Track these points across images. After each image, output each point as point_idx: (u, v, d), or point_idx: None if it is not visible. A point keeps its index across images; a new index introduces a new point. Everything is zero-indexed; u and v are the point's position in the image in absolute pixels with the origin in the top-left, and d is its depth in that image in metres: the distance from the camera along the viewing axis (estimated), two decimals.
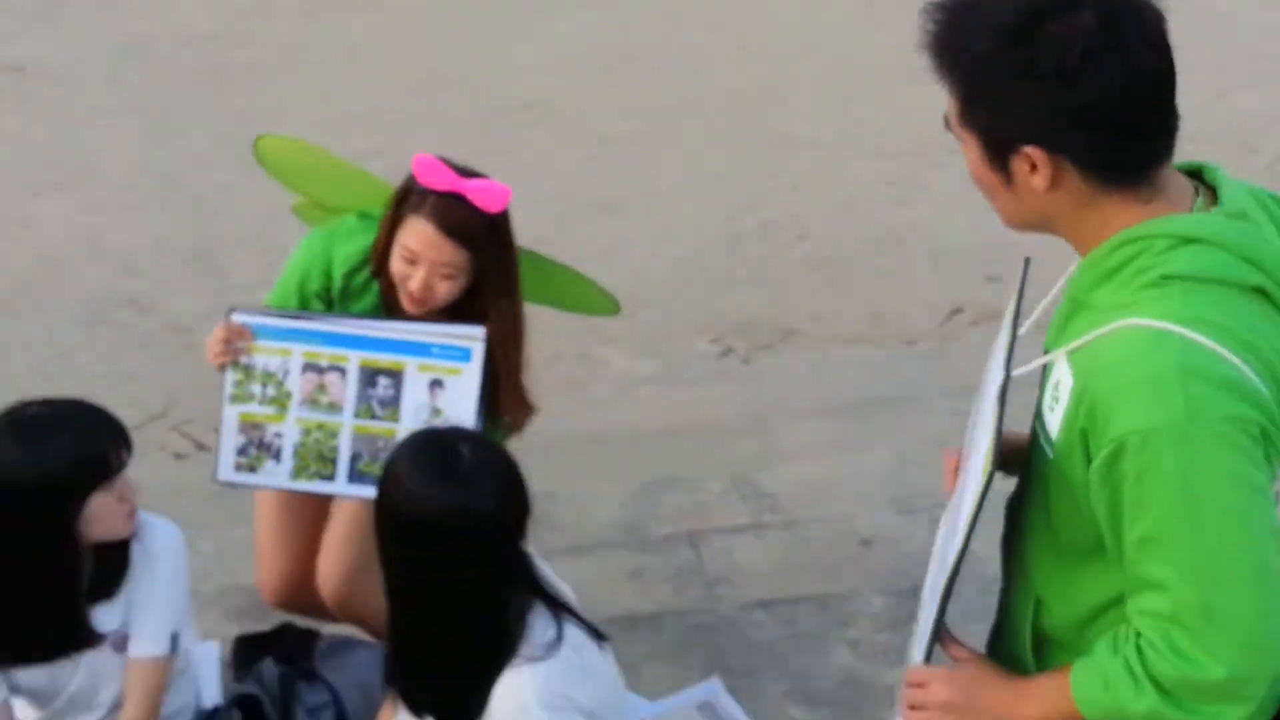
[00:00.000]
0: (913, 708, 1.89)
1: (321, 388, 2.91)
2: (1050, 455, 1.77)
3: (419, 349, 2.85)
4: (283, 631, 3.32)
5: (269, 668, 3.12)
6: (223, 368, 2.95)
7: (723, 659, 3.39)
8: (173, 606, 2.85)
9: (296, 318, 2.92)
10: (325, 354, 2.89)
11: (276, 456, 2.96)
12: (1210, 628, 1.64)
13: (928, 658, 1.88)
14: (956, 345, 5.12)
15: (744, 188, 6.57)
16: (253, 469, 2.99)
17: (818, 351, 5.35)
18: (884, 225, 5.78)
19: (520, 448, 4.58)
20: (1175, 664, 1.67)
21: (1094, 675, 1.74)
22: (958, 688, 1.85)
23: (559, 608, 2.48)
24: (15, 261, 6.09)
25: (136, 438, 4.87)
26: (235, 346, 2.92)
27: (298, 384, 2.91)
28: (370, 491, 2.64)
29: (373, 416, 2.89)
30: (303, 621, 3.35)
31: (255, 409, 2.94)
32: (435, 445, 2.42)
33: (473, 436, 2.53)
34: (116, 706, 2.84)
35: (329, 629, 3.33)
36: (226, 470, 3.01)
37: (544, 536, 3.98)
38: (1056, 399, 1.75)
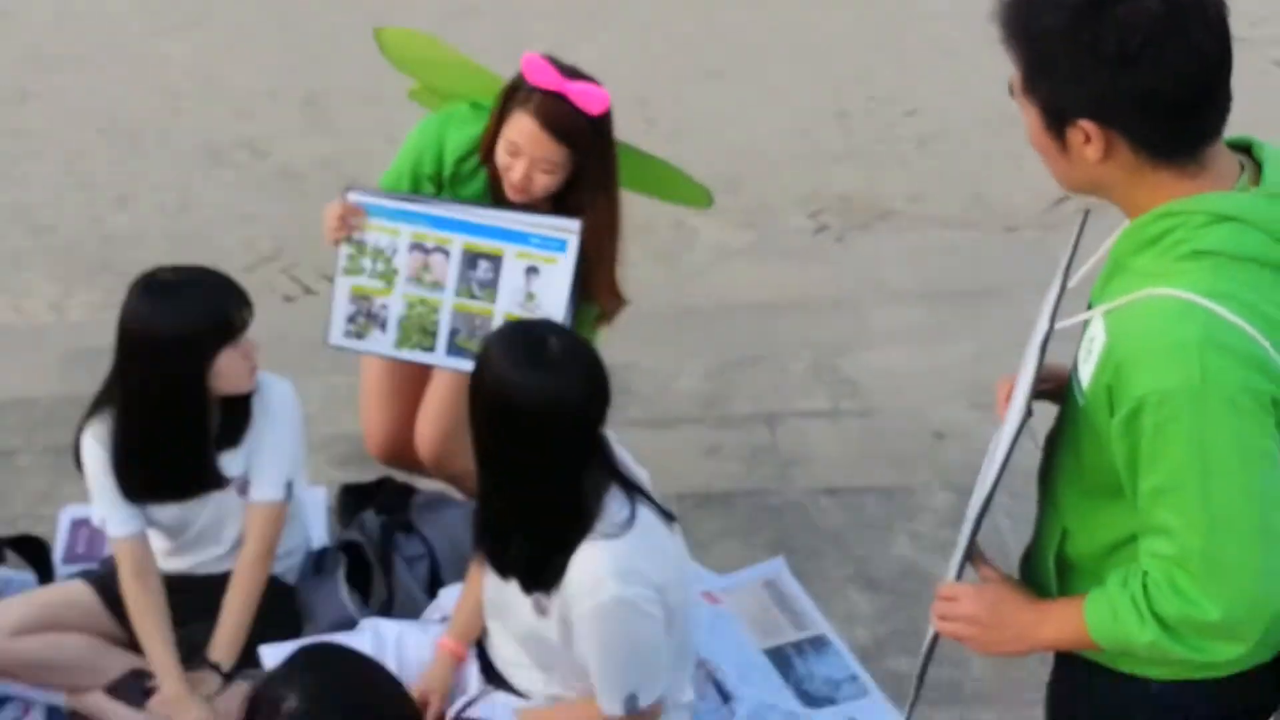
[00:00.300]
0: (942, 618, 2.07)
1: (426, 266, 3.11)
2: (1081, 403, 1.91)
3: (518, 237, 3.03)
4: (383, 484, 3.60)
5: (370, 518, 3.41)
6: (337, 243, 3.17)
7: (789, 540, 3.58)
8: (289, 457, 3.14)
9: (407, 200, 3.11)
10: (431, 236, 3.09)
11: (382, 326, 3.19)
12: (1210, 574, 1.78)
13: (959, 574, 2.08)
14: (1056, 236, 5.14)
15: (855, 59, 6.59)
16: (360, 336, 3.22)
17: (914, 233, 5.39)
18: (996, 105, 5.80)
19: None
20: (1176, 603, 1.81)
21: (1105, 606, 1.89)
22: (984, 604, 2.01)
23: (633, 490, 2.68)
24: (141, 100, 6.35)
25: (248, 279, 5.15)
26: (349, 224, 3.13)
27: (405, 261, 3.12)
28: (466, 365, 2.87)
29: (471, 296, 3.09)
30: (401, 476, 3.64)
31: (365, 282, 3.16)
32: (526, 334, 2.60)
33: (561, 329, 2.71)
34: (238, 543, 3.15)
35: (424, 485, 3.60)
36: (337, 335, 3.24)
37: (624, 406, 4.18)
38: (1090, 353, 1.88)
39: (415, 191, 3.16)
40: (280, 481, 3.12)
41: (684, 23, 6.80)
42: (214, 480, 3.05)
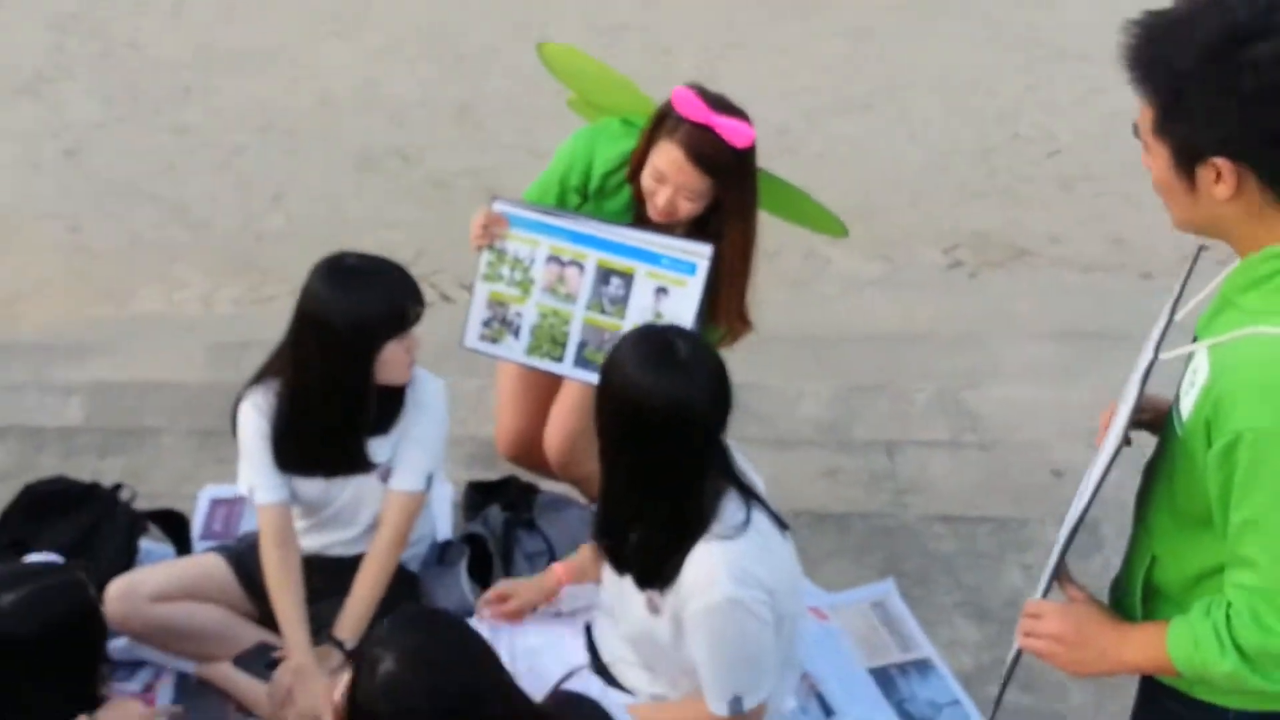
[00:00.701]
0: (1027, 635, 2.16)
1: (561, 279, 3.26)
2: (1179, 434, 1.99)
3: (651, 257, 3.15)
4: (508, 483, 3.77)
5: (495, 513, 3.57)
6: (479, 249, 3.34)
7: (900, 564, 3.65)
8: (432, 451, 3.30)
9: (548, 213, 3.26)
10: (568, 250, 3.23)
11: (516, 333, 3.34)
12: None
13: (1045, 592, 2.17)
14: (1195, 283, 5.15)
15: (1001, 98, 6.64)
16: (494, 340, 3.38)
17: (1049, 274, 5.43)
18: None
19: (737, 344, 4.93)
20: (1257, 634, 1.89)
21: (1187, 633, 1.96)
22: (1069, 623, 2.09)
23: (750, 495, 2.79)
24: (299, 102, 6.64)
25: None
26: (492, 232, 3.30)
27: (541, 272, 3.26)
28: (592, 377, 3.00)
29: (602, 311, 3.23)
30: (526, 476, 3.80)
31: (502, 289, 3.33)
32: (656, 339, 2.73)
33: (690, 335, 2.82)
34: (370, 528, 3.31)
35: (548, 486, 3.76)
36: (472, 338, 3.41)
37: (746, 426, 4.28)
38: (1192, 384, 1.96)
39: (561, 202, 3.31)
40: (422, 473, 3.28)
41: (829, 53, 6.91)
42: (363, 464, 3.22)
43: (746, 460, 2.93)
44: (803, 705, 3.28)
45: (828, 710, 3.28)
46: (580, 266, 3.21)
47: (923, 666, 3.39)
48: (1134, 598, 2.15)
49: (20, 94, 6.75)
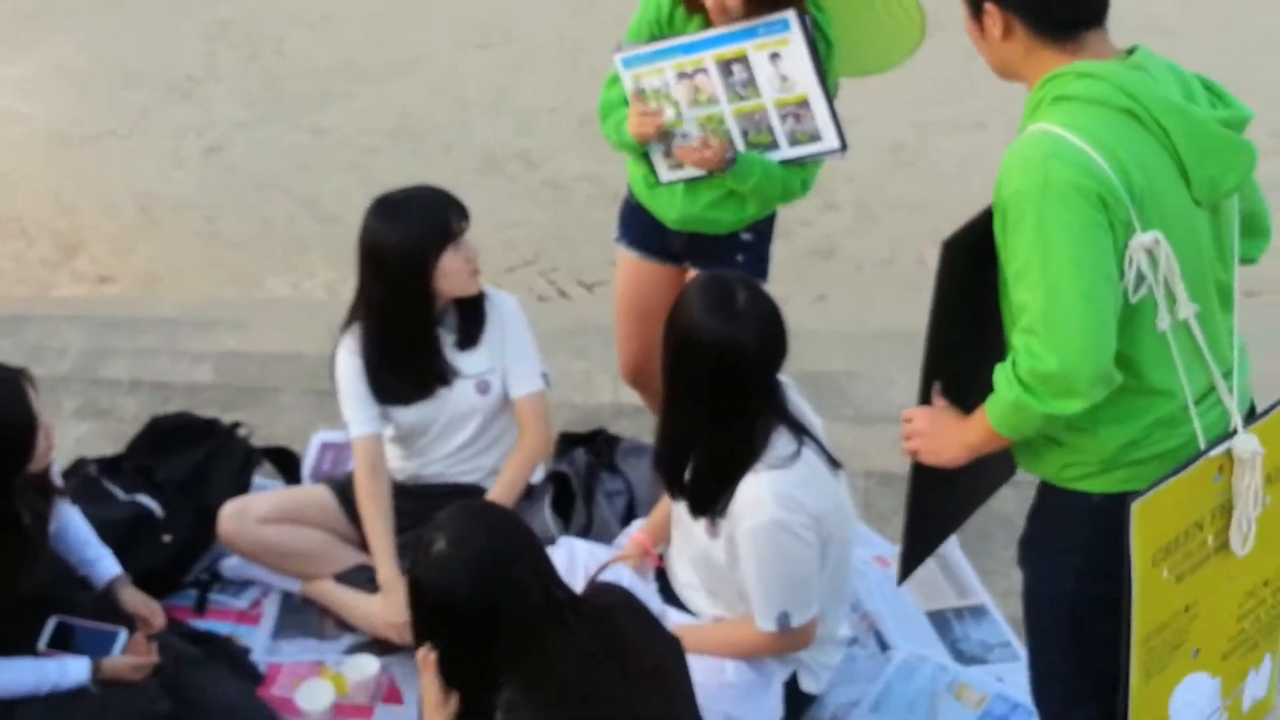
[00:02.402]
0: (903, 438, 2.68)
1: (697, 89, 3.62)
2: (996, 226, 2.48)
3: (748, 33, 3.48)
4: (595, 434, 4.19)
5: (580, 455, 3.99)
6: (645, 139, 3.66)
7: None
8: (533, 352, 3.77)
9: (656, 43, 3.62)
10: (687, 61, 3.58)
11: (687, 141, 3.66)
12: (1048, 330, 2.34)
13: (919, 402, 2.67)
14: None
15: None
16: (680, 166, 3.71)
17: None
18: None
19: (845, 335, 5.28)
20: (1028, 361, 2.37)
21: (994, 392, 2.46)
22: (927, 419, 2.63)
23: (802, 432, 3.15)
24: (432, 109, 7.20)
25: (508, 279, 5.83)
26: (651, 121, 3.62)
27: (680, 92, 3.63)
28: (773, 155, 3.57)
29: (741, 99, 3.58)
30: (613, 430, 4.21)
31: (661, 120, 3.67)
32: (720, 287, 3.07)
33: (751, 285, 3.15)
34: (467, 445, 3.74)
35: (631, 435, 4.16)
36: (665, 175, 3.76)
37: (835, 405, 4.68)
38: None
39: (654, 35, 3.68)
40: (535, 373, 3.76)
41: (943, 72, 7.24)
42: (447, 375, 3.66)
43: (806, 404, 3.27)
44: (861, 639, 3.63)
45: (884, 645, 3.62)
46: (704, 71, 3.57)
47: (978, 612, 3.71)
48: None
49: (170, 94, 7.43)
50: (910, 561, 2.87)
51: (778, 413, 3.10)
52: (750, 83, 3.53)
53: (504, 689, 2.56)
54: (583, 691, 2.54)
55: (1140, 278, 2.39)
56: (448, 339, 3.68)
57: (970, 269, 2.54)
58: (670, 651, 2.75)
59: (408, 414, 3.71)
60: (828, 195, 6.33)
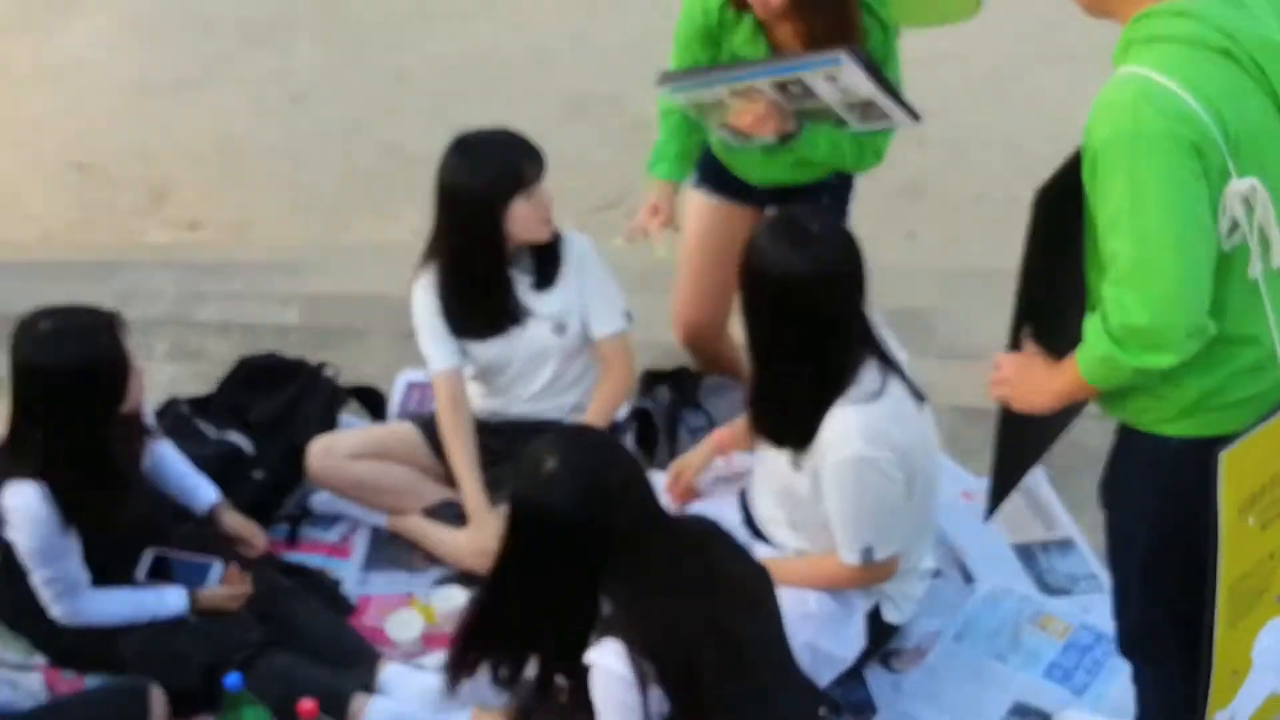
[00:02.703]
0: (991, 383, 2.71)
1: (754, 99, 3.51)
2: (1086, 174, 2.45)
3: (804, 65, 3.41)
4: (679, 372, 4.25)
5: (663, 392, 4.07)
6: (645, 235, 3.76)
7: (1050, 456, 3.80)
8: (614, 291, 3.85)
9: (706, 71, 3.59)
10: (740, 87, 3.52)
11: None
12: (1140, 280, 2.32)
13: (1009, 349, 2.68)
14: None
15: None
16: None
17: None
18: None
19: (933, 272, 5.29)
20: (1118, 315, 2.35)
21: (1083, 345, 2.46)
22: (1016, 367, 2.64)
23: (888, 364, 3.19)
24: (510, 51, 7.24)
25: (591, 220, 5.88)
26: (658, 221, 3.73)
27: (739, 104, 3.53)
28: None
29: (802, 104, 3.48)
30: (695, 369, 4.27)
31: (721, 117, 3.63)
32: (790, 218, 3.13)
33: (823, 216, 3.21)
34: (549, 385, 3.83)
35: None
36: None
37: (922, 341, 4.69)
38: None
39: (702, 51, 3.62)
40: (617, 311, 3.84)
41: (1038, 4, 7.18)
42: (518, 313, 3.74)
43: (892, 340, 3.30)
44: (945, 571, 3.67)
45: (968, 577, 3.66)
46: (759, 91, 3.51)
47: (1064, 545, 3.75)
48: None
49: (252, 43, 7.52)
50: (998, 496, 2.92)
51: (863, 344, 3.14)
52: (808, 96, 3.49)
53: (601, 609, 2.65)
54: (681, 611, 2.64)
55: (1234, 225, 2.36)
56: (524, 280, 3.75)
57: (1062, 215, 2.53)
58: (759, 579, 2.83)
59: (485, 350, 3.79)
60: (917, 132, 6.30)
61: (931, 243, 5.74)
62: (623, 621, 2.64)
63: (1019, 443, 2.90)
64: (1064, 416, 2.96)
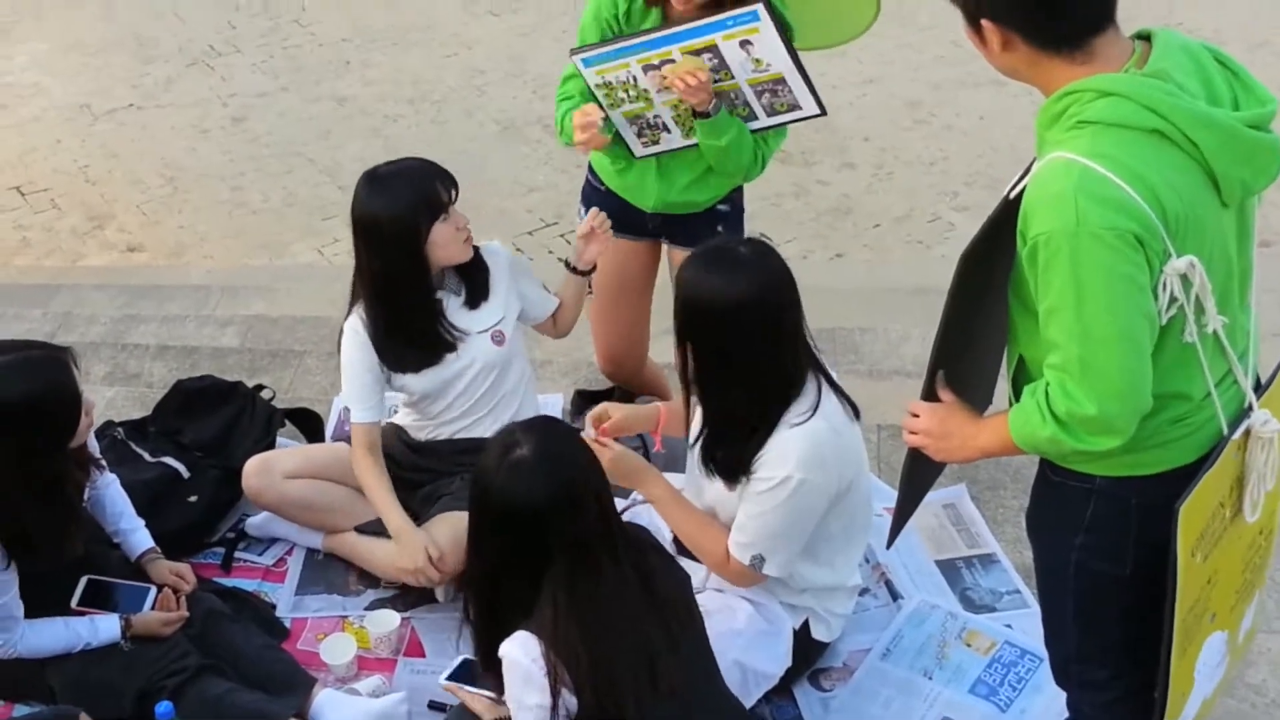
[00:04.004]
0: (908, 431, 2.62)
1: (664, 77, 3.52)
2: (1019, 248, 2.39)
3: (717, 25, 3.39)
4: (610, 391, 4.20)
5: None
6: (585, 149, 3.65)
7: (974, 472, 3.95)
8: (538, 284, 3.84)
9: (617, 40, 3.55)
10: (653, 55, 3.49)
11: (666, 129, 3.67)
12: (1085, 376, 2.27)
13: (924, 397, 2.61)
14: None
15: None
16: (655, 142, 3.71)
17: None
18: None
19: (859, 291, 5.29)
20: (1064, 402, 2.30)
21: (1020, 414, 2.40)
22: (936, 419, 2.57)
23: (823, 379, 3.10)
24: (448, 76, 7.22)
25: (529, 241, 5.82)
26: (590, 135, 3.58)
27: (647, 82, 3.55)
28: (753, 125, 3.54)
29: (715, 81, 3.48)
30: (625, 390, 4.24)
31: (629, 107, 3.65)
32: (717, 249, 3.03)
33: (753, 241, 3.10)
34: (489, 394, 3.73)
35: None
36: (640, 150, 3.74)
37: (850, 360, 4.70)
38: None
39: (610, 32, 3.61)
40: (549, 296, 3.84)
41: (960, 28, 7.24)
42: (454, 339, 3.65)
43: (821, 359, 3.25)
44: (873, 590, 3.64)
45: (894, 594, 3.63)
46: (672, 61, 3.47)
47: (987, 561, 3.72)
48: (1009, 395, 2.56)
49: (193, 66, 7.45)
50: (899, 528, 2.92)
51: (804, 362, 3.08)
52: (722, 67, 3.46)
53: (542, 605, 2.59)
54: (619, 613, 2.60)
55: (1172, 300, 2.31)
56: (454, 301, 3.68)
57: (986, 271, 2.49)
58: (685, 587, 2.80)
59: (420, 381, 3.71)
60: (845, 154, 6.33)
61: (858, 261, 5.75)
62: (550, 621, 2.58)
63: (922, 478, 2.87)
64: None
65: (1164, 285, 2.29)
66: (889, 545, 2.96)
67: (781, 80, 3.44)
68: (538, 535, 2.58)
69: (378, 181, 3.54)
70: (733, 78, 3.47)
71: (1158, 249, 2.26)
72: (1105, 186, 2.23)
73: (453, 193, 3.56)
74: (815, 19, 3.62)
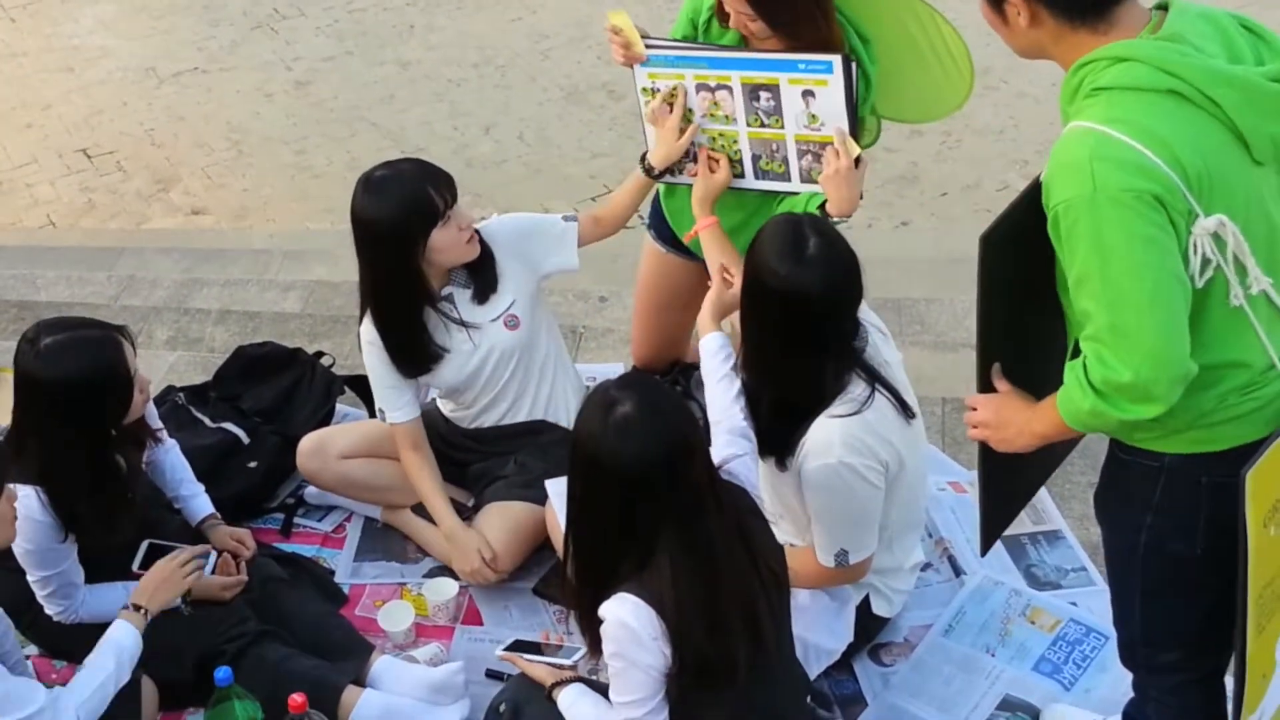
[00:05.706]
0: (969, 425, 2.61)
1: (715, 103, 3.45)
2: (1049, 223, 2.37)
3: (787, 65, 3.29)
4: (671, 366, 4.16)
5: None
6: (625, 63, 3.53)
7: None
8: (547, 224, 3.69)
9: (683, 46, 3.45)
10: (711, 75, 3.40)
11: (694, 159, 3.56)
12: (1118, 341, 2.24)
13: (979, 389, 2.59)
14: None
15: None
16: (679, 171, 3.61)
17: None
18: None
19: (926, 262, 5.22)
20: (1100, 370, 2.27)
21: (1064, 390, 2.37)
22: (993, 409, 2.55)
23: (875, 378, 3.08)
24: (513, 40, 7.17)
25: (589, 207, 5.78)
26: (623, 49, 3.48)
27: (696, 102, 3.47)
28: (776, 185, 3.43)
29: (761, 125, 3.40)
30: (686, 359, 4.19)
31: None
32: (791, 229, 2.99)
33: (825, 229, 3.03)
34: (516, 379, 3.67)
35: None
36: (659, 167, 3.60)
37: (915, 331, 4.64)
38: None
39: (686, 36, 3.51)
40: (563, 230, 3.68)
41: None
42: (436, 352, 3.58)
43: (889, 341, 3.21)
44: (935, 565, 3.60)
45: (958, 570, 3.59)
46: (728, 89, 3.39)
47: (1053, 537, 3.67)
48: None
49: (257, 30, 7.44)
50: (990, 534, 2.83)
51: (851, 357, 3.06)
52: (775, 112, 3.36)
53: (656, 561, 2.56)
54: (728, 566, 2.59)
55: (1206, 262, 2.27)
56: (464, 295, 3.60)
57: (1014, 254, 2.44)
58: (780, 552, 2.79)
59: (441, 378, 3.67)
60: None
61: (925, 230, 5.68)
62: (666, 576, 2.55)
63: (1006, 481, 2.79)
64: (1052, 453, 2.82)
65: (1195, 246, 2.26)
66: (983, 553, 2.89)
67: (819, 153, 3.34)
68: (651, 491, 2.53)
69: (375, 186, 3.44)
70: (782, 127, 3.37)
71: (1182, 209, 2.23)
72: (1121, 150, 2.22)
73: (452, 193, 3.46)
74: (904, 85, 3.50)
